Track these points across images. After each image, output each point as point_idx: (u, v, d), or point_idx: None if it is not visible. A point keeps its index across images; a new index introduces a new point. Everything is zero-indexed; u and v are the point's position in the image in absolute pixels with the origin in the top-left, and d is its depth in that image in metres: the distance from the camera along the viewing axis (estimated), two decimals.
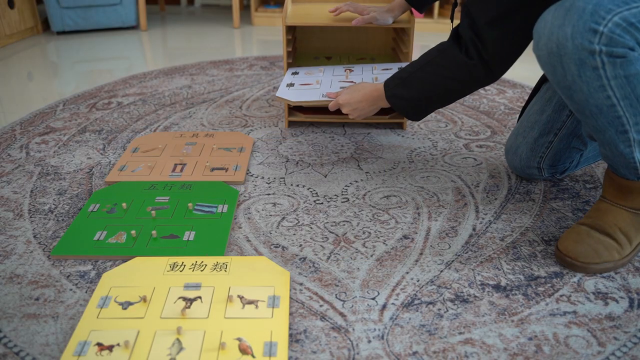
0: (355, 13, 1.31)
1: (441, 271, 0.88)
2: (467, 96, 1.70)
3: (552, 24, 0.77)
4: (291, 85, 1.32)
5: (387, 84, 1.07)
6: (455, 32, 0.97)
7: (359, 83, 1.16)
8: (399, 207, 1.07)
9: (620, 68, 0.75)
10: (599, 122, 0.81)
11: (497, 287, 0.85)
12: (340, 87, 1.28)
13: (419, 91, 1.03)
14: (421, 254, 0.93)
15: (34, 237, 0.97)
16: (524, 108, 1.16)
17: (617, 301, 0.82)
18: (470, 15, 0.93)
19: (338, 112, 1.44)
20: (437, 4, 2.79)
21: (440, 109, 1.58)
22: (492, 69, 0.95)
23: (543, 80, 1.12)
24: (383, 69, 1.38)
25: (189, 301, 0.79)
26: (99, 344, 0.71)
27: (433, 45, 2.45)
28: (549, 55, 0.79)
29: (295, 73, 1.40)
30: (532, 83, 1.86)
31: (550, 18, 0.78)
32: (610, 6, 0.72)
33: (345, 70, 1.41)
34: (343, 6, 1.32)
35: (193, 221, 1.00)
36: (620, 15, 0.72)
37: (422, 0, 1.26)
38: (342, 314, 0.79)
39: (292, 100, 1.24)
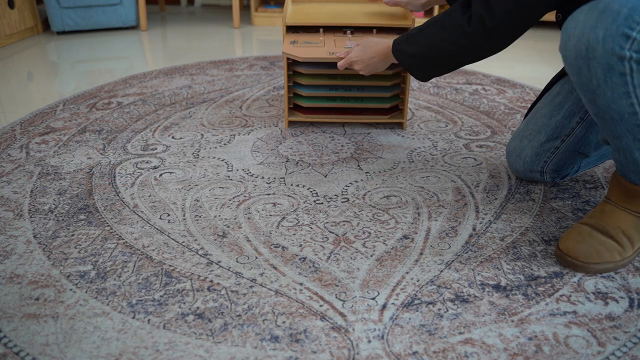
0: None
1: (441, 271, 0.88)
2: (468, 96, 1.70)
3: (583, 24, 0.74)
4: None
5: (396, 39, 1.12)
6: None
7: (370, 39, 1.20)
8: (399, 207, 1.07)
9: None
10: (618, 129, 0.80)
11: (497, 287, 0.85)
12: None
13: (421, 49, 1.05)
14: (421, 254, 0.93)
15: (34, 237, 0.97)
16: (531, 108, 1.16)
17: (617, 301, 0.81)
18: None
19: (338, 111, 1.44)
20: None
21: (440, 110, 1.58)
22: (492, 39, 0.95)
23: (553, 82, 1.11)
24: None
25: None
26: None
27: None
28: (576, 57, 0.77)
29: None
30: (532, 83, 1.86)
31: (582, 18, 0.75)
32: None
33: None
34: None
35: None
36: None
37: None
38: (342, 314, 0.79)
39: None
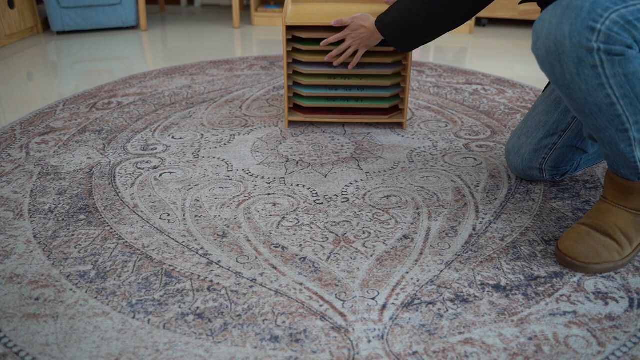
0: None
1: (441, 271, 0.88)
2: (468, 96, 1.70)
3: (550, 22, 0.77)
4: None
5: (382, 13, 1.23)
6: None
7: (363, 14, 1.29)
8: (399, 207, 1.07)
9: (619, 66, 0.74)
10: (599, 121, 0.81)
11: (497, 287, 0.85)
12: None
13: (395, 20, 1.16)
14: (421, 254, 0.93)
15: (34, 237, 0.97)
16: None
17: (617, 301, 0.82)
18: None
19: (338, 111, 1.44)
20: None
21: (440, 110, 1.58)
22: (449, 9, 1.06)
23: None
24: None
25: None
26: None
27: (431, 46, 2.44)
28: (547, 54, 0.79)
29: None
30: (532, 83, 1.86)
31: (548, 17, 0.78)
32: (608, 4, 0.72)
33: None
34: None
35: None
36: (617, 13, 0.72)
37: None
38: (342, 314, 0.79)
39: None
